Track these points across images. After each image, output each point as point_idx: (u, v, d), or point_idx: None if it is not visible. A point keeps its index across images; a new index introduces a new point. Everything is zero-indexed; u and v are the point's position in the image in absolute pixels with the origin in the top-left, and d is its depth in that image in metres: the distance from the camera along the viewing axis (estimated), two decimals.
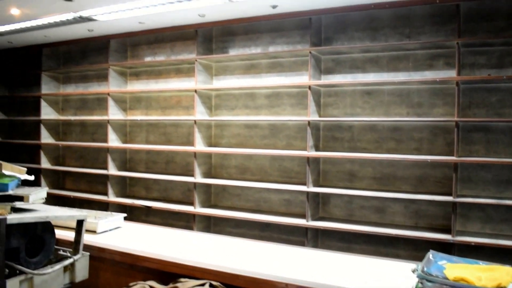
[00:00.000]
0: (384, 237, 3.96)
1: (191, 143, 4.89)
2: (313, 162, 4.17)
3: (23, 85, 6.55)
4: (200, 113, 4.63)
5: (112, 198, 5.17)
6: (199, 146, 4.62)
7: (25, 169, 3.05)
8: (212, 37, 4.85)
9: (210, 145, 4.83)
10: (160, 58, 5.15)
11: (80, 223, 3.09)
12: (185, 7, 3.98)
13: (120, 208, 5.12)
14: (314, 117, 4.14)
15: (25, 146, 6.43)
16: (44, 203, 3.15)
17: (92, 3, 3.99)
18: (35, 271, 2.74)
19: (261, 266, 2.69)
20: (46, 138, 5.91)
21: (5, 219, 2.60)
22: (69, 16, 4.35)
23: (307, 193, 4.11)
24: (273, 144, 4.56)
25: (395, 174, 4.06)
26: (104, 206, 5.21)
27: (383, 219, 4.10)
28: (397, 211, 4.06)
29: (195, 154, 4.61)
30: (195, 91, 4.60)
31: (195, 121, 4.58)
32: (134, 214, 5.14)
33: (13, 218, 2.64)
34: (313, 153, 4.11)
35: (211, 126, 4.85)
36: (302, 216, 4.23)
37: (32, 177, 3.22)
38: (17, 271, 2.74)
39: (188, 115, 4.96)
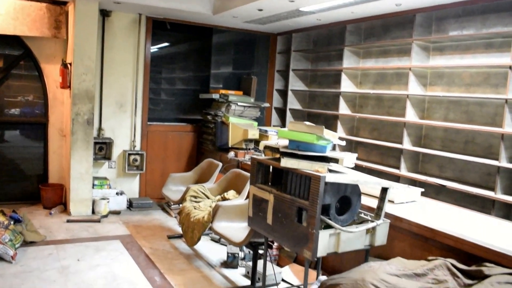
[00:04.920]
0: None
1: (497, 124, 4.47)
2: None
3: (325, 60, 7.14)
4: None
5: (403, 172, 5.21)
6: (508, 127, 4.20)
7: (338, 134, 3.33)
8: None
9: None
10: (469, 32, 4.83)
11: (384, 190, 3.25)
12: None
13: (410, 183, 5.12)
14: None
15: (322, 115, 7.04)
16: None
17: None
18: (343, 228, 3.01)
19: None
20: (343, 109, 6.32)
21: (324, 177, 2.92)
22: None
23: None
24: None
25: None
26: (394, 179, 5.30)
27: None
28: None
29: (502, 136, 4.22)
30: (510, 67, 4.18)
31: (506, 100, 4.18)
32: (424, 191, 5.10)
33: (330, 177, 2.95)
34: None
35: None
36: None
37: (343, 142, 3.51)
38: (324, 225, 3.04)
39: (496, 94, 4.55)
